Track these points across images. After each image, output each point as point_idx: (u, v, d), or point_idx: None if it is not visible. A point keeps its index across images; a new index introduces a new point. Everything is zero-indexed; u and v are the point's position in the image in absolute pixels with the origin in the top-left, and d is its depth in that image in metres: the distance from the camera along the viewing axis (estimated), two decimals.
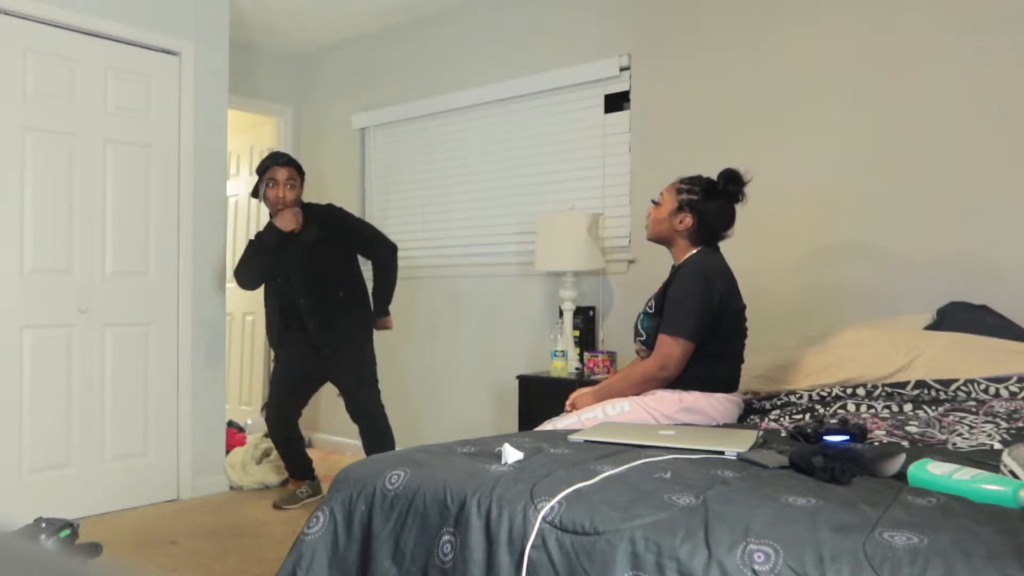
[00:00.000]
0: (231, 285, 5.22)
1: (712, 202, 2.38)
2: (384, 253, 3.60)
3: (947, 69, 2.85)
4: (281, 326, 3.56)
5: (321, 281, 3.48)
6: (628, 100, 3.67)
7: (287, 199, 3.45)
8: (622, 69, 3.66)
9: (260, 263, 3.47)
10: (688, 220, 2.38)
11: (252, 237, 3.53)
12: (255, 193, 3.55)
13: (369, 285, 3.64)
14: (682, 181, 2.43)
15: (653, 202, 2.49)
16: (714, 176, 2.43)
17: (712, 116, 3.40)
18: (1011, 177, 2.73)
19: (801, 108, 3.17)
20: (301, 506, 3.61)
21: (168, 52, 3.75)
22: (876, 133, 3.00)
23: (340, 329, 3.50)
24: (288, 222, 3.43)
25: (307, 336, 3.48)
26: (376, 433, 3.51)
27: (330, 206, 3.64)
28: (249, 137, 5.37)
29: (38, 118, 3.34)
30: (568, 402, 2.49)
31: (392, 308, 4.62)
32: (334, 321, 3.49)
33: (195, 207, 3.83)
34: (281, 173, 3.45)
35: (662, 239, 2.46)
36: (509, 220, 4.11)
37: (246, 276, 3.50)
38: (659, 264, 3.30)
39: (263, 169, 3.47)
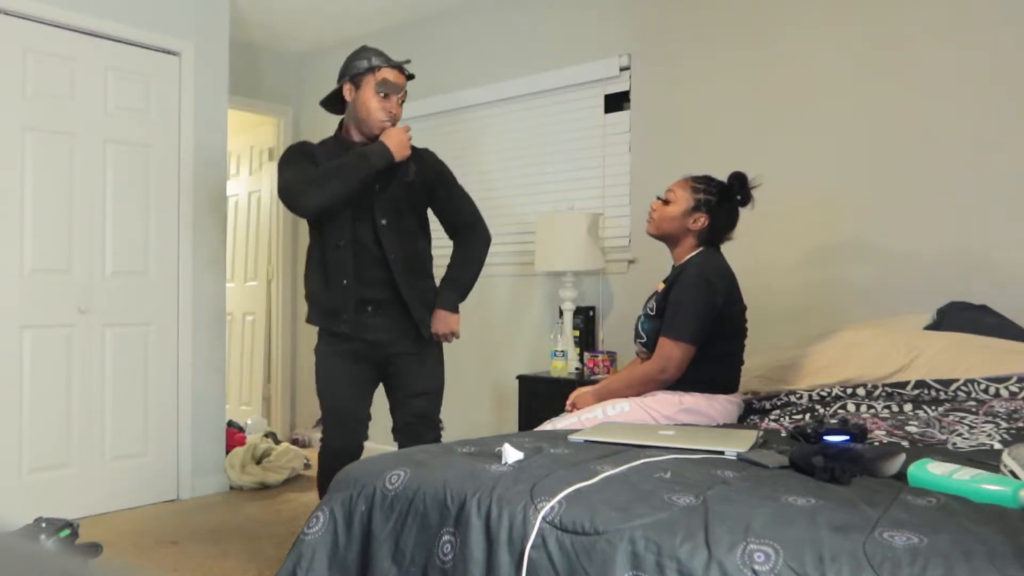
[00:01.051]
0: (231, 285, 5.24)
1: (726, 205, 2.38)
2: (478, 234, 2.72)
3: (947, 69, 2.85)
4: (331, 299, 2.53)
5: (413, 234, 2.61)
6: (628, 100, 3.67)
7: (399, 117, 2.53)
8: (622, 69, 3.66)
9: (349, 188, 2.40)
10: (703, 220, 2.37)
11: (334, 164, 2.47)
12: (332, 102, 2.63)
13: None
14: (696, 180, 2.41)
15: (660, 198, 2.47)
16: (719, 174, 2.43)
17: (712, 116, 3.40)
18: (1011, 177, 2.73)
19: (801, 108, 3.17)
20: None
21: (168, 52, 3.75)
22: (877, 133, 3.00)
23: (430, 308, 2.58)
24: (403, 146, 2.45)
25: (391, 306, 2.53)
26: None
27: (427, 150, 2.66)
28: (249, 137, 5.37)
29: (38, 118, 3.34)
30: (568, 402, 2.49)
31: None
32: (428, 292, 2.61)
33: (195, 207, 3.83)
34: (398, 79, 2.50)
35: (668, 236, 2.44)
36: (509, 220, 4.11)
37: (318, 195, 2.39)
38: (659, 264, 3.30)
39: (366, 69, 2.48)
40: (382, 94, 2.48)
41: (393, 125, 2.51)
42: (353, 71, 2.52)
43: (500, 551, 1.39)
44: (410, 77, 2.58)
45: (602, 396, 2.40)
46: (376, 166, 2.42)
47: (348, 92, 2.55)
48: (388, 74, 2.48)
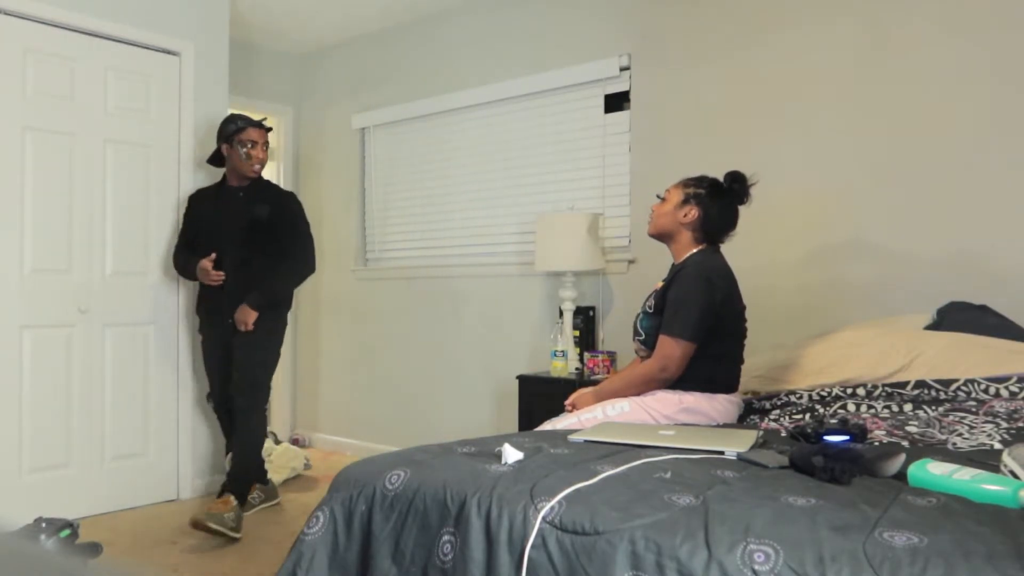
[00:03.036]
0: None
1: (717, 200, 2.40)
2: (301, 260, 3.50)
3: (947, 69, 2.85)
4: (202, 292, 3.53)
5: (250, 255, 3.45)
6: (628, 100, 3.67)
7: (264, 161, 3.46)
8: (622, 69, 3.66)
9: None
10: (693, 212, 2.40)
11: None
12: (215, 159, 3.51)
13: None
14: (688, 179, 2.47)
15: (659, 197, 2.50)
16: (718, 173, 2.46)
17: (712, 116, 3.40)
18: (1011, 177, 2.73)
19: (801, 108, 3.17)
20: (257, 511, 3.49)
21: (168, 52, 3.75)
22: (876, 133, 3.00)
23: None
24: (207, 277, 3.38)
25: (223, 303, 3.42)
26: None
27: (292, 195, 3.60)
28: None
29: (38, 118, 3.33)
30: (568, 402, 2.49)
31: (392, 306, 4.62)
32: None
33: None
34: (260, 135, 3.43)
35: (665, 233, 2.47)
36: (509, 220, 4.10)
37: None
38: (659, 264, 3.30)
39: (235, 131, 3.39)
40: (251, 146, 3.38)
41: (260, 167, 3.43)
42: (226, 134, 3.41)
43: (500, 551, 1.39)
44: (268, 130, 3.49)
45: (602, 396, 2.40)
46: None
47: (225, 149, 3.44)
48: (252, 134, 3.39)
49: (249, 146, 3.38)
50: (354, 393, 4.77)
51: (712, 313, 2.29)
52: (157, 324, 3.70)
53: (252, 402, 3.39)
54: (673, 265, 2.48)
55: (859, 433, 1.89)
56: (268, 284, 3.40)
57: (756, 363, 2.70)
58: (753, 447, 1.79)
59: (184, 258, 3.50)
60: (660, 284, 2.46)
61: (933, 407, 2.25)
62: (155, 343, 3.69)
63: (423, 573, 1.49)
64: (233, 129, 3.38)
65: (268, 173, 5.20)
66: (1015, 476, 1.47)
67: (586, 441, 1.88)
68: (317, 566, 1.61)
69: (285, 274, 3.45)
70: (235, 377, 3.39)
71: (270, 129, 3.50)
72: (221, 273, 3.33)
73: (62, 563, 0.46)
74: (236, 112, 3.44)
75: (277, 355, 3.53)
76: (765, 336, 3.02)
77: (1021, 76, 2.71)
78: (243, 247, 3.40)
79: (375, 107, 4.69)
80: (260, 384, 3.44)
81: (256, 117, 5.12)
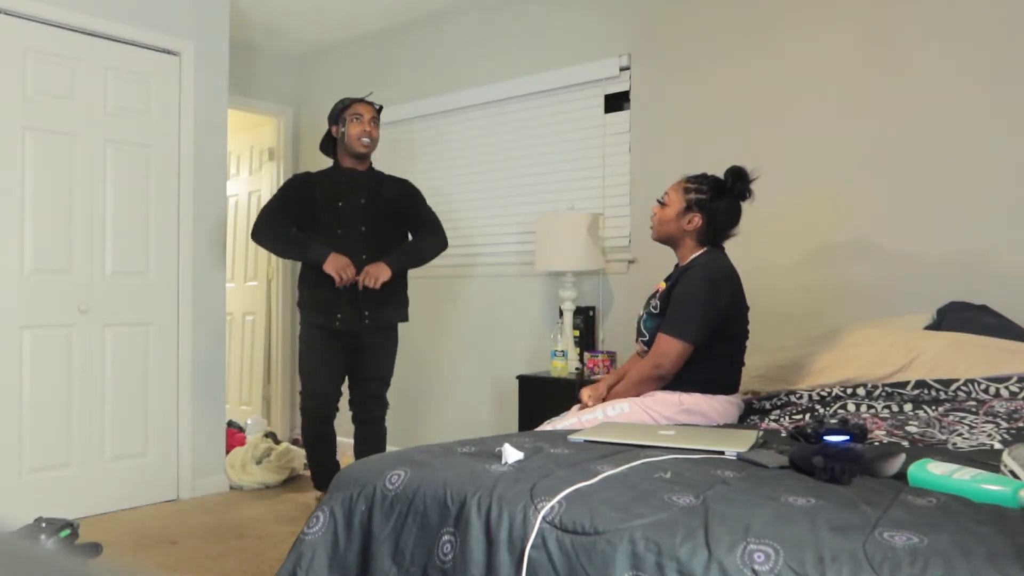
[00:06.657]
0: (231, 285, 5.24)
1: (720, 201, 2.37)
2: (441, 234, 3.38)
3: (946, 69, 2.85)
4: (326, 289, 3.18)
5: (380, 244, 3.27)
6: (628, 100, 3.67)
7: (374, 136, 3.26)
8: (622, 69, 3.66)
9: (280, 254, 3.34)
10: (697, 220, 2.37)
11: (296, 232, 3.22)
12: (326, 144, 3.35)
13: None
14: (689, 180, 2.41)
15: (659, 202, 2.47)
16: (719, 174, 2.43)
17: (712, 116, 3.40)
18: (1011, 177, 2.73)
19: (801, 108, 3.17)
20: None
21: (168, 52, 3.75)
22: (876, 133, 3.00)
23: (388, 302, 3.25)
24: (338, 271, 3.07)
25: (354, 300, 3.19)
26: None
27: (407, 180, 3.46)
28: (249, 137, 5.37)
29: (38, 118, 3.34)
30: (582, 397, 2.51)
31: None
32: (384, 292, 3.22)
33: (195, 207, 3.83)
34: (367, 109, 3.25)
35: (669, 239, 2.45)
36: (509, 220, 4.10)
37: (264, 240, 3.23)
38: (659, 264, 3.31)
39: (343, 108, 3.26)
40: (355, 120, 3.23)
41: (370, 142, 3.25)
42: (335, 112, 3.31)
43: (500, 551, 1.39)
44: (379, 109, 3.35)
45: (605, 398, 2.41)
46: (308, 260, 3.18)
47: (335, 131, 3.32)
48: (359, 108, 3.26)
49: (356, 119, 3.21)
50: None
51: (714, 317, 2.28)
52: (157, 324, 3.70)
53: (386, 406, 3.42)
54: (677, 266, 2.47)
55: (859, 433, 1.89)
56: (408, 246, 3.28)
57: (756, 363, 2.70)
58: (753, 447, 1.79)
59: (286, 228, 3.22)
60: (662, 284, 2.45)
61: (933, 407, 2.25)
62: (155, 343, 3.69)
63: (423, 573, 1.49)
64: (340, 107, 3.28)
65: (268, 173, 5.21)
66: (1015, 476, 1.47)
67: (586, 441, 1.88)
68: (317, 566, 1.61)
69: (427, 243, 3.31)
70: (373, 384, 3.32)
71: (380, 107, 3.34)
72: (354, 274, 3.09)
73: (62, 563, 0.46)
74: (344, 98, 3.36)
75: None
76: (765, 336, 3.02)
77: (1021, 76, 2.71)
78: (366, 230, 3.21)
79: None
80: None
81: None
